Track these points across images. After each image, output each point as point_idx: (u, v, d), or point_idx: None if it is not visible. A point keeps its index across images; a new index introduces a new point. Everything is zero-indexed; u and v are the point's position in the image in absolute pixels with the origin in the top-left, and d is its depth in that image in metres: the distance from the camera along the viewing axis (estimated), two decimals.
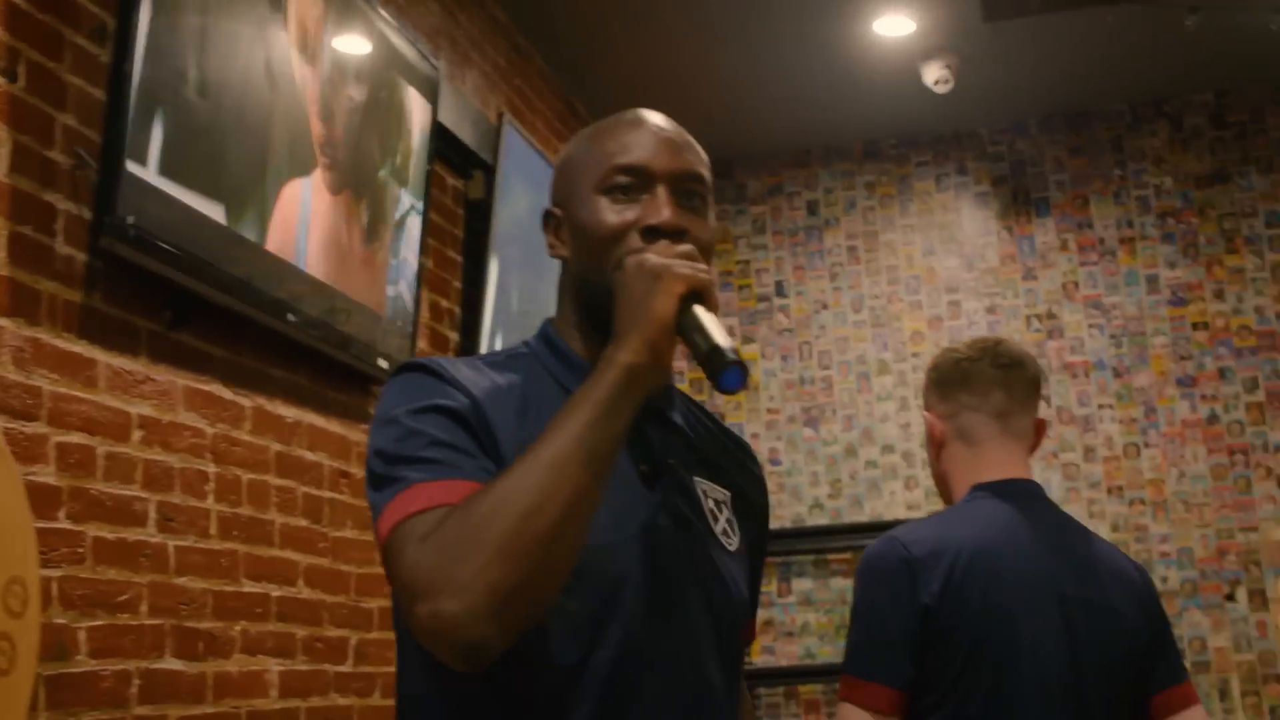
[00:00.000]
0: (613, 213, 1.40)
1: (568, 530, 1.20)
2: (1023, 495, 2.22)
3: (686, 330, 1.29)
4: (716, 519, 1.47)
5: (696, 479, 1.47)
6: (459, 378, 1.36)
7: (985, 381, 2.23)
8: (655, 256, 1.30)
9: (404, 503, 1.24)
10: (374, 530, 1.27)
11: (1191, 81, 5.25)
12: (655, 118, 1.46)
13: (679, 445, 1.47)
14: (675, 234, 1.37)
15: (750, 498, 1.56)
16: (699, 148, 1.47)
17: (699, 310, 1.29)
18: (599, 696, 1.31)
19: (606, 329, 1.34)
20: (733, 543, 1.48)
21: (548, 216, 1.48)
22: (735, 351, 1.28)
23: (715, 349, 1.27)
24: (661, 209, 1.38)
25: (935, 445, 2.28)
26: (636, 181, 1.40)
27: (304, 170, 2.89)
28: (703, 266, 1.31)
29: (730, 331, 1.25)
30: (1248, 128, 5.26)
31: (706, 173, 1.45)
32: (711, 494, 1.48)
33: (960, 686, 2.07)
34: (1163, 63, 5.03)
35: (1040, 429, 2.29)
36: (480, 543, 1.18)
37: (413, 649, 1.35)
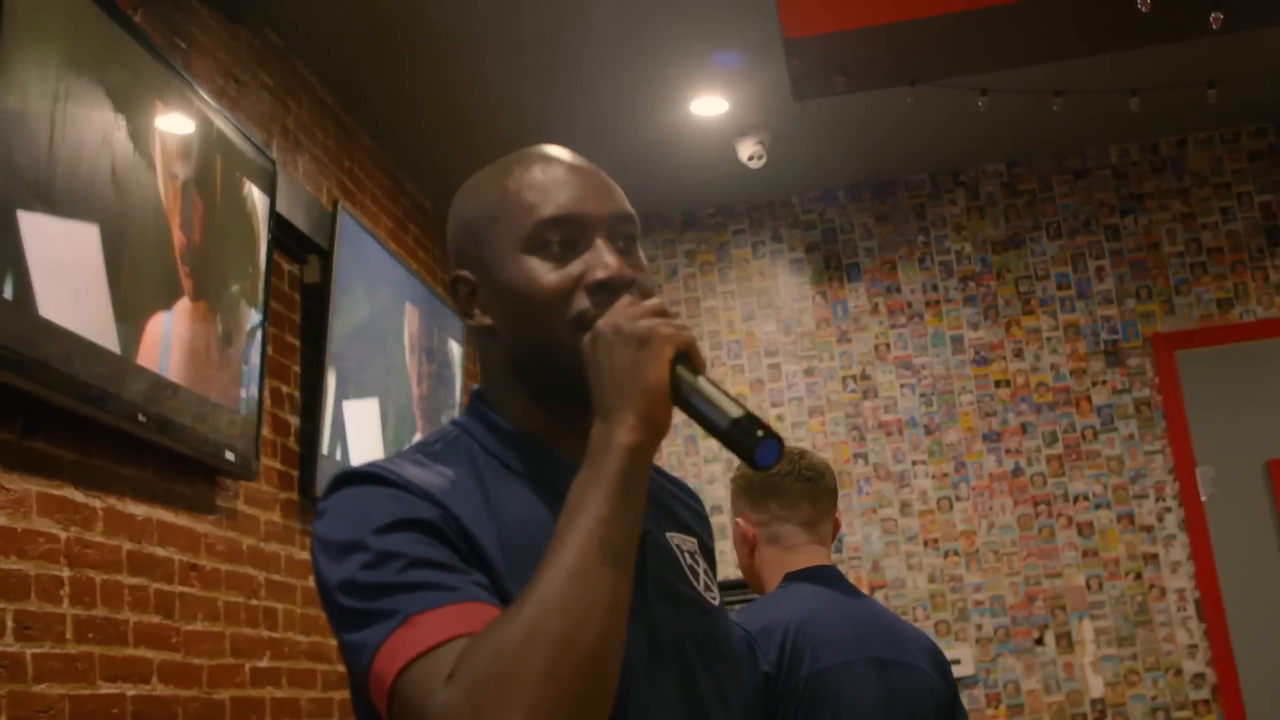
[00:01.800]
0: (549, 272, 1.25)
1: (610, 643, 1.07)
2: (829, 578, 2.55)
3: (690, 401, 1.16)
4: (696, 575, 1.36)
5: (668, 534, 1.36)
6: (414, 481, 1.20)
7: (794, 495, 2.53)
8: (630, 318, 1.16)
9: (407, 640, 1.08)
10: (359, 673, 1.12)
11: (985, 153, 5.61)
12: (565, 154, 1.32)
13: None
14: (625, 286, 1.24)
15: (707, 544, 1.45)
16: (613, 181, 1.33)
17: (701, 379, 1.16)
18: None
19: (551, 397, 1.28)
20: (715, 597, 1.37)
21: (457, 283, 1.33)
22: (760, 420, 1.13)
23: (739, 421, 1.13)
24: (607, 261, 1.24)
25: (747, 546, 2.58)
26: (571, 234, 1.26)
27: (169, 293, 2.94)
28: (681, 323, 1.20)
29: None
30: (1037, 195, 5.63)
31: (632, 210, 1.32)
32: (685, 547, 1.37)
33: None
34: (958, 136, 5.36)
35: (837, 526, 2.64)
36: (522, 678, 1.02)
37: None
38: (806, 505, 2.52)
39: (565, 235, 1.26)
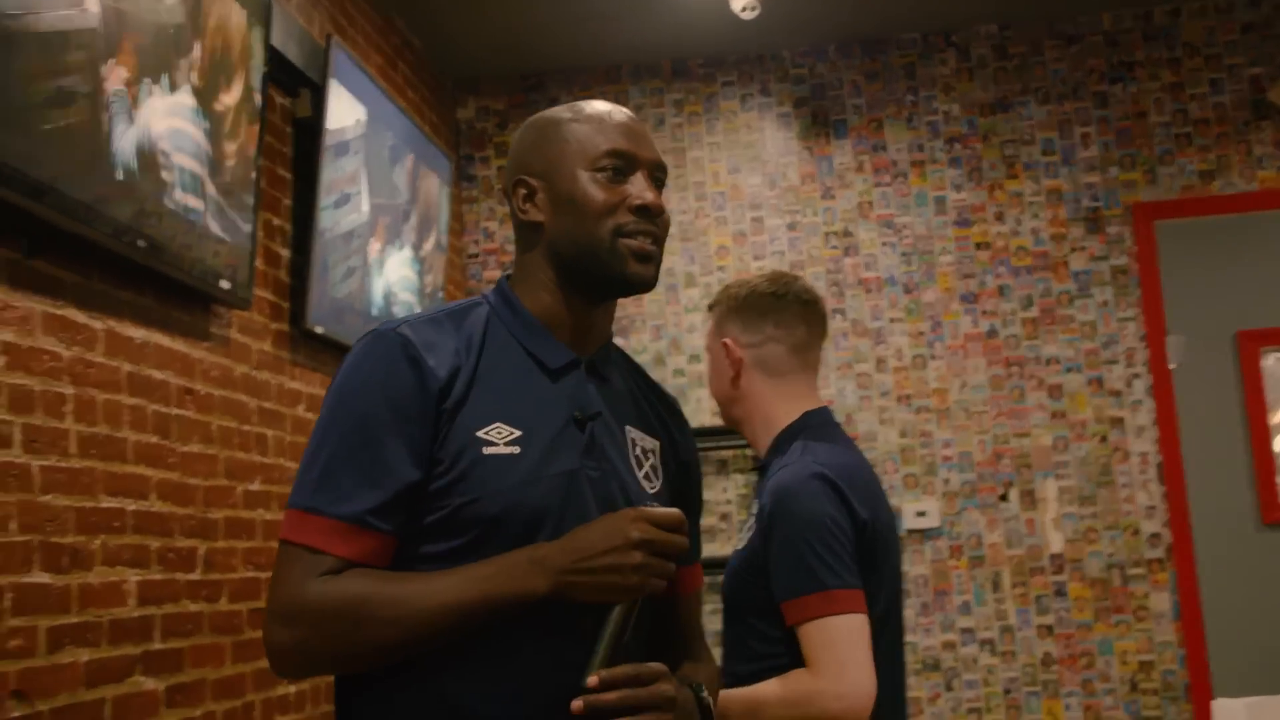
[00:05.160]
0: (603, 190, 1.62)
1: (407, 654, 1.49)
2: (836, 423, 2.44)
3: (602, 622, 1.49)
4: (641, 464, 1.69)
5: (628, 428, 1.69)
6: (425, 355, 1.55)
7: (790, 316, 2.39)
8: (634, 552, 1.47)
9: (304, 525, 1.50)
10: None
11: (978, 14, 5.59)
12: (626, 113, 1.70)
13: (612, 398, 1.69)
14: (659, 213, 1.64)
15: (679, 451, 1.79)
16: None
17: (614, 625, 1.49)
18: (532, 621, 1.50)
19: (576, 285, 1.64)
20: (654, 486, 1.70)
21: (518, 185, 1.67)
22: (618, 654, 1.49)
23: (598, 658, 1.47)
24: (646, 192, 1.63)
25: (732, 368, 2.40)
26: (623, 165, 1.64)
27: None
28: (660, 581, 1.52)
29: None
30: (1027, 59, 5.63)
31: (665, 162, 1.72)
32: (640, 442, 1.71)
33: (869, 585, 2.23)
34: None
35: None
36: (334, 637, 1.47)
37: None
38: (801, 328, 2.40)
39: (619, 165, 1.63)
